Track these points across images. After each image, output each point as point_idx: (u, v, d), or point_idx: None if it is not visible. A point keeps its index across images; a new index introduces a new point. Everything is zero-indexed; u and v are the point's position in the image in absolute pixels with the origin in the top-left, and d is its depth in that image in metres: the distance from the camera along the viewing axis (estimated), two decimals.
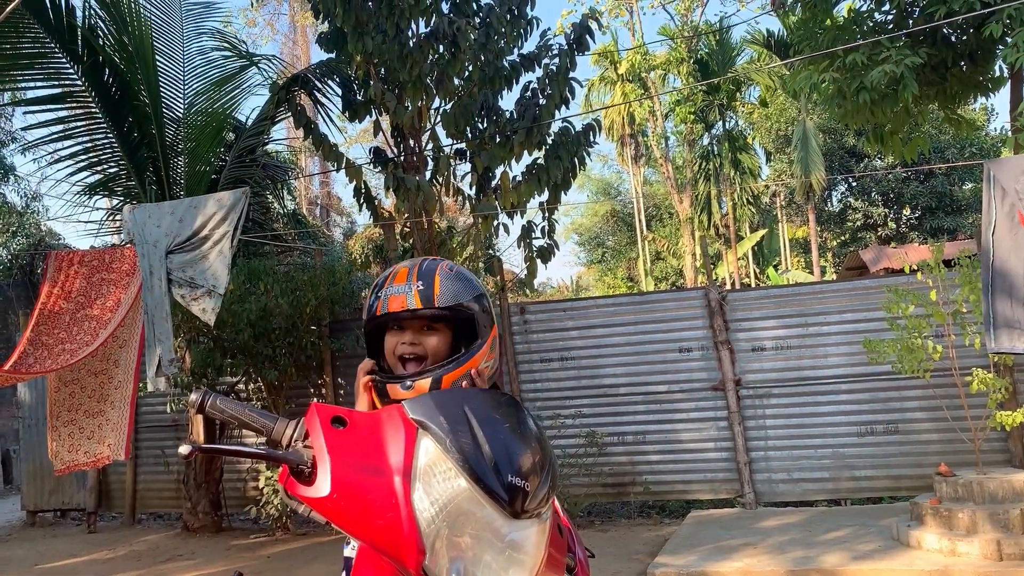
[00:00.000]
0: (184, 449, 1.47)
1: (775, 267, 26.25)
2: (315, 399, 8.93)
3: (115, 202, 9.92)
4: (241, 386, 9.14)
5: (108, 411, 6.05)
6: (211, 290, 5.14)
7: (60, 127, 8.48)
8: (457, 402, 1.51)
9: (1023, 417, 5.67)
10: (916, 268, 6.20)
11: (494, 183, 8.27)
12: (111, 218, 10.11)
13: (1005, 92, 7.81)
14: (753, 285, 24.81)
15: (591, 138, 8.24)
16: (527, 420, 1.56)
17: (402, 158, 8.44)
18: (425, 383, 1.80)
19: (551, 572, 1.60)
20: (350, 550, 1.97)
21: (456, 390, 1.72)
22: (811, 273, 25.40)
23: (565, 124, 8.32)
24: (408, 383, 1.80)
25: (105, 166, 8.94)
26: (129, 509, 9.91)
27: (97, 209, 10.01)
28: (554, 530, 1.62)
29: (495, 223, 8.44)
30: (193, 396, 1.61)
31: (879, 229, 24.70)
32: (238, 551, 7.85)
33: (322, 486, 1.41)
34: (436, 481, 1.43)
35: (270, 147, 12.39)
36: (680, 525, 7.41)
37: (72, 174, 8.75)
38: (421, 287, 1.84)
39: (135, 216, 5.52)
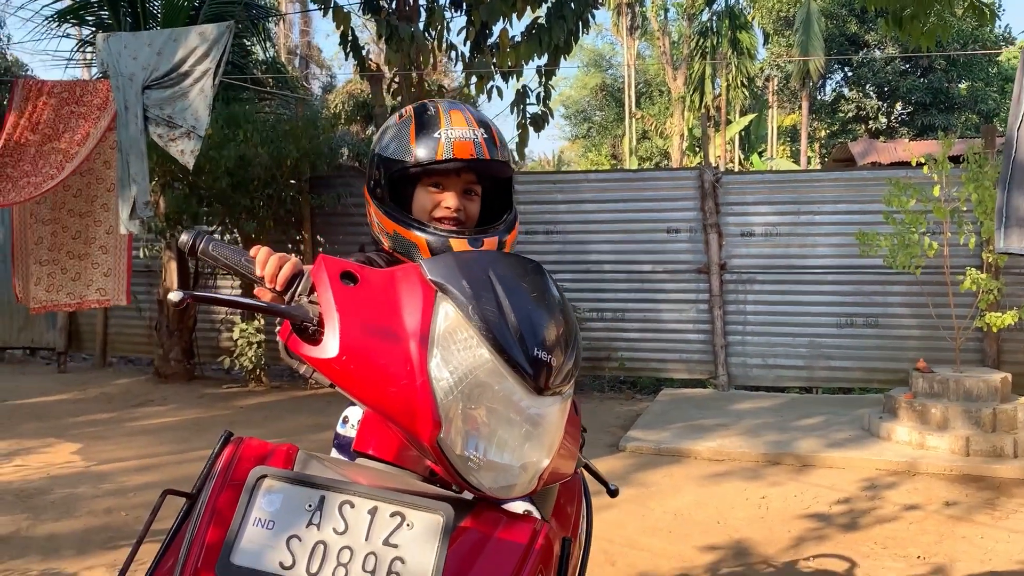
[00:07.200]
0: (175, 296, 1.31)
1: (760, 154, 25.94)
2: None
3: (86, 32, 9.35)
4: (217, 236, 8.89)
5: (96, 254, 5.97)
6: (191, 131, 4.82)
7: None
8: (482, 266, 1.37)
9: (1012, 319, 5.66)
10: (923, 161, 6.02)
11: (491, 41, 7.84)
12: (81, 49, 9.53)
13: None
14: (737, 170, 24.57)
15: None
16: (553, 290, 1.44)
17: (394, 6, 7.94)
18: (492, 241, 1.71)
19: (563, 459, 1.51)
20: (349, 428, 1.86)
21: (481, 252, 1.57)
22: (796, 162, 25.19)
23: None
24: (480, 240, 1.70)
25: None
26: (100, 352, 9.84)
27: (67, 36, 9.40)
28: (572, 412, 1.52)
29: (489, 84, 8.07)
30: (184, 237, 1.44)
31: (870, 122, 24.40)
32: (211, 400, 7.84)
33: (330, 346, 1.29)
34: (456, 349, 1.30)
35: None
36: (652, 402, 7.49)
37: None
38: (485, 136, 1.70)
39: (109, 45, 5.11)
